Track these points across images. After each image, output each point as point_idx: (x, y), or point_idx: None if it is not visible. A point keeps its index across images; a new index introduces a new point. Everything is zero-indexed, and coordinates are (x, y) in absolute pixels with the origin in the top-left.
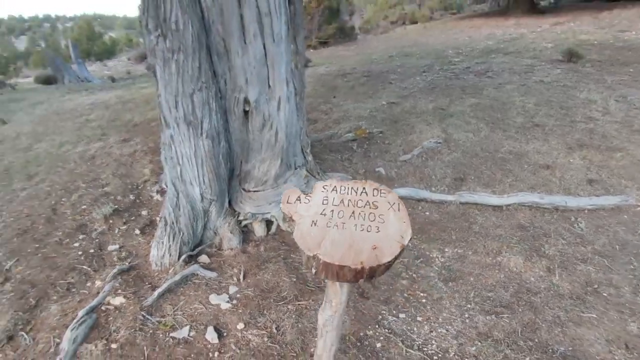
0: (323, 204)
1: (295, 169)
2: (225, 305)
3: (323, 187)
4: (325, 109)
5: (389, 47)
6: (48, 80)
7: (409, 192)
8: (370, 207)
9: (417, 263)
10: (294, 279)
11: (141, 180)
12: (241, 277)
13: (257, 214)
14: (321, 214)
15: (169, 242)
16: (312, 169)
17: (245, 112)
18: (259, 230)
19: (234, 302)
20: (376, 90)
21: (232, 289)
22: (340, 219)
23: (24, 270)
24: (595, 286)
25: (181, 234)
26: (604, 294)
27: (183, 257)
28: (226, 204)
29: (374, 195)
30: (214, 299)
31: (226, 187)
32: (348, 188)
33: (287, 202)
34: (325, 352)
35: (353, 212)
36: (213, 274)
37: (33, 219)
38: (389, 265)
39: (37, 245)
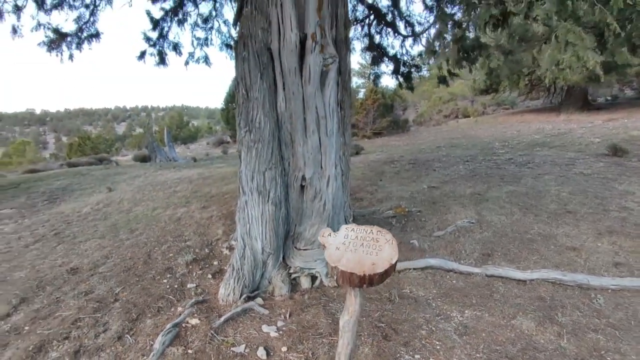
0: (344, 237)
1: None
2: (273, 334)
3: (345, 228)
4: (371, 190)
5: (437, 138)
6: (143, 159)
7: (438, 262)
8: (373, 241)
9: (437, 319)
10: (330, 321)
11: (215, 239)
12: (287, 315)
13: (305, 268)
14: (342, 243)
15: (234, 283)
16: None
17: (302, 187)
18: (305, 282)
19: (280, 332)
20: (419, 176)
21: (280, 323)
22: (353, 246)
23: (128, 295)
24: (602, 352)
25: (244, 278)
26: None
27: (243, 296)
28: (280, 258)
29: (377, 235)
30: (265, 328)
31: (282, 244)
32: (361, 229)
33: (322, 236)
34: (344, 349)
35: (362, 243)
36: (265, 311)
37: (134, 261)
38: (381, 275)
39: (137, 279)
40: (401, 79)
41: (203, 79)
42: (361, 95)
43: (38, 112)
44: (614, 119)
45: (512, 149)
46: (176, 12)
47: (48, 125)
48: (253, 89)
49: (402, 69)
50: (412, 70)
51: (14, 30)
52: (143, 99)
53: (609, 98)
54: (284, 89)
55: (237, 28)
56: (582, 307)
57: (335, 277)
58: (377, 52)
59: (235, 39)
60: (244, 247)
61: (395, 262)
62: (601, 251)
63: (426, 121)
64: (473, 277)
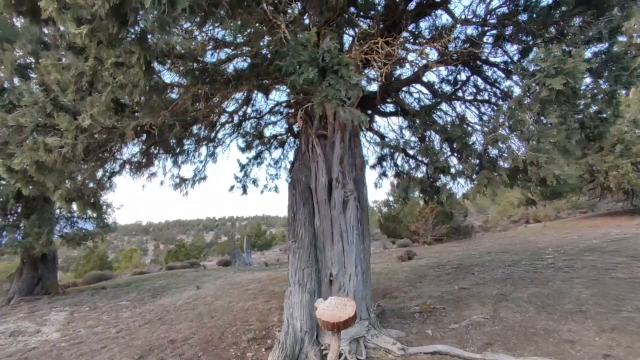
0: (328, 304)
1: (361, 320)
2: None
3: (330, 299)
4: (407, 290)
5: (494, 244)
6: (226, 263)
7: (445, 348)
8: (343, 306)
9: None
10: None
11: (271, 324)
12: None
13: None
14: (326, 306)
15: (279, 353)
16: (373, 322)
17: (330, 281)
18: None
19: None
20: (456, 279)
21: None
22: (331, 308)
23: (207, 357)
24: None
25: (286, 349)
26: None
27: None
28: (314, 337)
29: (346, 303)
30: None
31: (315, 325)
32: (338, 300)
33: (315, 305)
34: None
35: (337, 307)
36: None
37: (212, 337)
38: (344, 323)
39: (213, 348)
40: (426, 197)
41: (282, 191)
42: (422, 202)
43: (144, 223)
44: None
45: (562, 254)
46: (257, 157)
47: (150, 234)
48: (298, 213)
49: (427, 189)
50: (439, 189)
51: (152, 175)
52: (230, 210)
53: None
54: (318, 212)
55: (291, 174)
56: None
57: (319, 323)
58: (406, 177)
59: (289, 181)
60: (288, 326)
61: (352, 317)
62: (596, 345)
63: (493, 227)
64: None
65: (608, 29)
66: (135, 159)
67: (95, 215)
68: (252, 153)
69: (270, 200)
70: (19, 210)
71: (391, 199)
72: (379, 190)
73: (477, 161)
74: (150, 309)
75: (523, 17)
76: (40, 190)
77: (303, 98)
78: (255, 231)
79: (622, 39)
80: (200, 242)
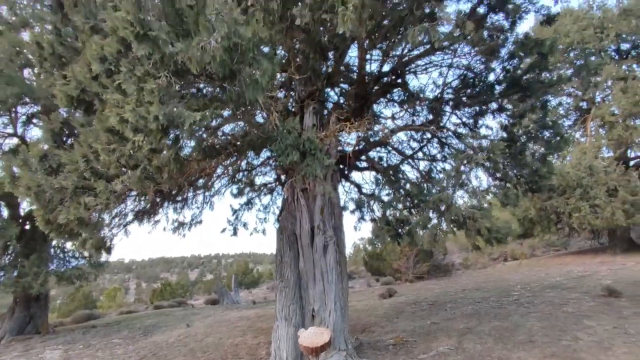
0: (308, 332)
1: (339, 351)
2: None
3: (311, 328)
4: (384, 325)
5: (470, 282)
6: (214, 302)
7: None
8: (320, 334)
9: None
10: None
11: (259, 357)
12: None
13: None
14: (307, 334)
15: None
16: (350, 353)
17: (313, 316)
18: None
19: None
20: (430, 314)
21: None
22: (310, 336)
23: None
24: None
25: None
26: None
27: None
28: None
29: (323, 331)
30: None
31: (300, 354)
32: (317, 329)
33: (298, 333)
34: None
35: (315, 334)
36: None
37: None
38: (321, 347)
39: None
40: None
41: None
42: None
43: (127, 261)
44: None
45: (527, 291)
46: (248, 203)
47: (133, 272)
48: (285, 256)
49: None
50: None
51: (157, 222)
52: (215, 247)
53: None
54: (302, 255)
55: (279, 222)
56: None
57: (302, 349)
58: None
59: (277, 227)
60: (275, 357)
61: (328, 342)
62: None
63: (473, 264)
64: None
65: (540, 103)
66: (143, 208)
67: (88, 254)
68: (244, 199)
69: (257, 237)
70: (17, 250)
71: (378, 239)
72: (358, 232)
73: (431, 214)
74: (143, 345)
75: (472, 91)
76: (72, 240)
77: (287, 168)
78: (242, 269)
79: (564, 100)
80: (185, 280)
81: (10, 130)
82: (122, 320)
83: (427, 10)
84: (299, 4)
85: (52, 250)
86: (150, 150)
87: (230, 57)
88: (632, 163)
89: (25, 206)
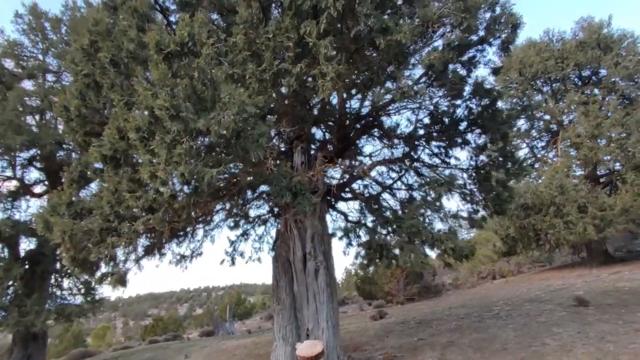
0: (304, 344)
1: None
2: None
3: (306, 342)
4: (374, 343)
5: (458, 300)
6: (208, 334)
7: None
8: (314, 345)
9: None
10: None
11: None
12: None
13: None
14: (304, 346)
15: None
16: None
17: (307, 335)
18: None
19: None
20: (417, 332)
21: None
22: (306, 347)
23: None
24: None
25: None
26: None
27: None
28: None
29: (317, 343)
30: None
31: None
32: (311, 342)
33: (295, 346)
34: None
35: (310, 346)
36: None
37: None
38: (316, 357)
39: None
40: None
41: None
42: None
43: (113, 299)
44: (620, 271)
45: (507, 305)
46: (243, 235)
47: (119, 310)
48: (280, 280)
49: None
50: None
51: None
52: (205, 280)
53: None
54: (296, 280)
55: (275, 250)
56: None
57: (298, 359)
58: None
59: (273, 255)
60: None
61: (321, 352)
62: None
63: (463, 284)
64: None
65: (500, 135)
66: (151, 244)
67: (84, 291)
68: (240, 231)
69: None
70: (18, 289)
71: (365, 262)
72: (347, 257)
73: (406, 238)
74: None
75: (440, 126)
76: (90, 275)
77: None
78: (235, 300)
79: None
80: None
81: (9, 173)
82: (119, 356)
83: (390, 71)
84: (286, 76)
85: (49, 289)
86: (170, 196)
87: (237, 125)
88: (602, 180)
89: (24, 247)
